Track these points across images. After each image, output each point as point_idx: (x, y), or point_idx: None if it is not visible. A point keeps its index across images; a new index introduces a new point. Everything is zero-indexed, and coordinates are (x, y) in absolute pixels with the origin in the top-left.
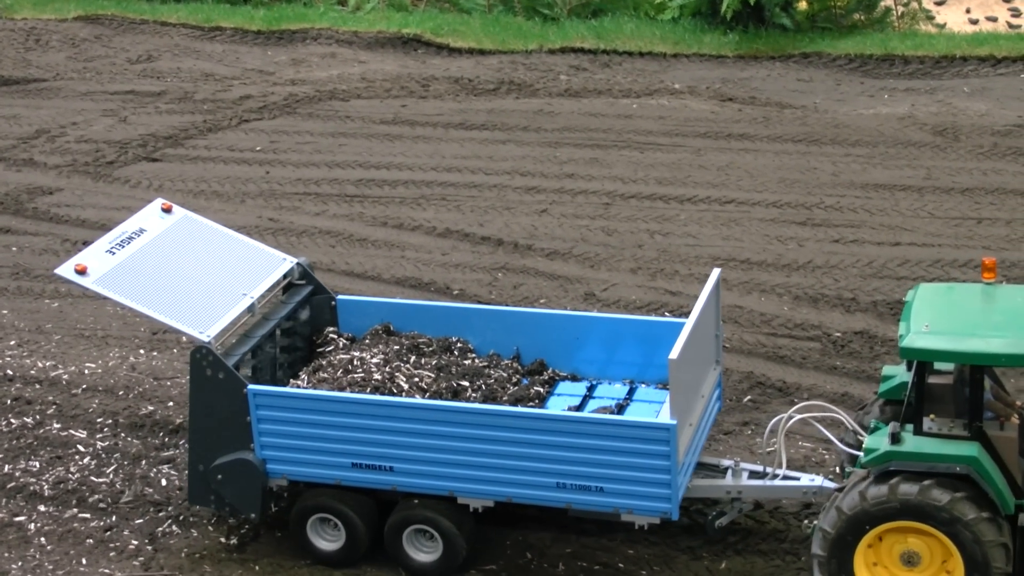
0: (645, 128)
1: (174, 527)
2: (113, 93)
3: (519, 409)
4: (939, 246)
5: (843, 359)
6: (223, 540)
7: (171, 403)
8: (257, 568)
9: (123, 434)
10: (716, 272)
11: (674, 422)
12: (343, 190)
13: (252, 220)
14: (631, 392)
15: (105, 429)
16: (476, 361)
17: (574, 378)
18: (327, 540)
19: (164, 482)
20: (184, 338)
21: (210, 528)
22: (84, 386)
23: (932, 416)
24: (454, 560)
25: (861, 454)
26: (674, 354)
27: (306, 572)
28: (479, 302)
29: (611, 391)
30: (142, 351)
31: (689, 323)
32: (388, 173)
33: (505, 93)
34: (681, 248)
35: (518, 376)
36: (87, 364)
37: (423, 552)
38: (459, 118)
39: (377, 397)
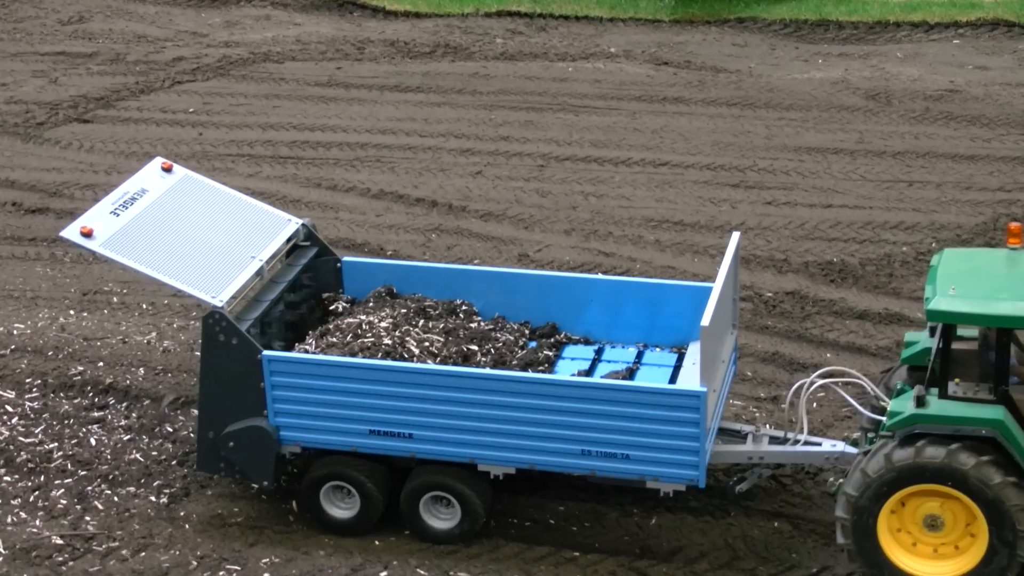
0: (580, 91)
1: (103, 486)
2: (44, 54)
3: (549, 376)
4: (870, 208)
5: (775, 319)
6: (153, 499)
7: (101, 364)
8: (187, 527)
9: (52, 394)
10: (736, 236)
11: (704, 389)
12: (277, 152)
13: None
14: (639, 356)
15: (34, 390)
16: (482, 324)
17: (586, 341)
18: (341, 508)
19: (93, 442)
20: (114, 299)
21: (141, 486)
22: (13, 347)
23: (957, 380)
24: (472, 527)
25: (884, 419)
26: (705, 320)
27: (236, 531)
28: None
29: (619, 355)
30: (72, 312)
31: (716, 289)
32: (322, 135)
33: (441, 56)
34: (615, 210)
35: (524, 340)
36: (16, 325)
37: (440, 519)
38: (394, 80)
39: (399, 363)
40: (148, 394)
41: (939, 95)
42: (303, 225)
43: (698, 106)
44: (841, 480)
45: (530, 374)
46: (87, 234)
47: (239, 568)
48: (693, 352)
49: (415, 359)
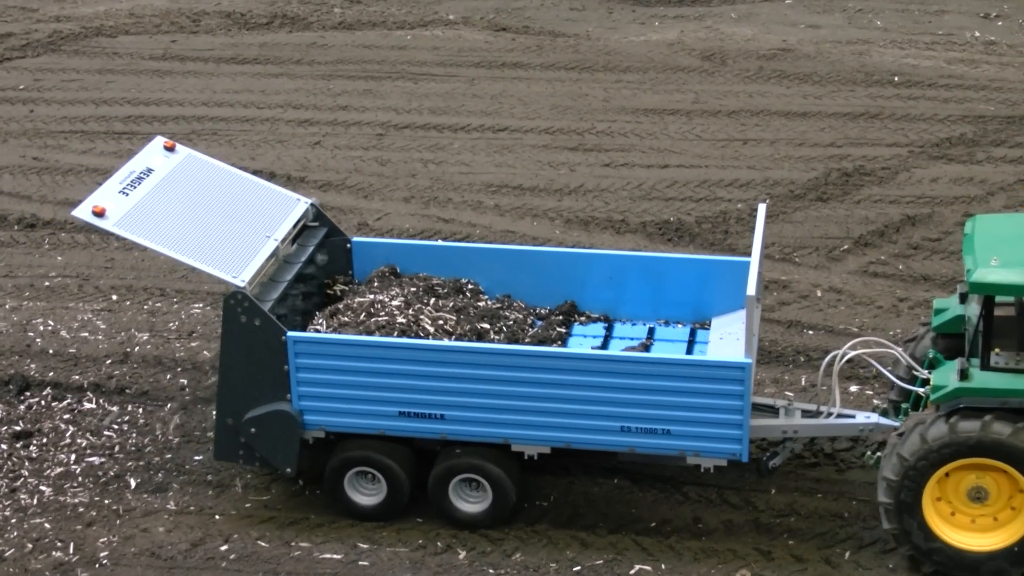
0: (419, 59)
1: None
2: None
3: (589, 352)
4: (706, 167)
5: None
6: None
7: None
8: (21, 511)
9: None
10: (763, 207)
11: (749, 361)
12: (111, 127)
13: (15, 160)
14: (651, 332)
15: None
16: (489, 302)
17: (606, 319)
18: (366, 495)
19: None
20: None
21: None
22: None
23: (996, 350)
24: (503, 509)
25: (919, 389)
26: (751, 290)
27: (71, 512)
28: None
29: (631, 331)
30: None
31: (755, 259)
32: (158, 109)
33: (278, 27)
34: (455, 176)
35: (532, 317)
36: None
37: (469, 502)
38: (231, 52)
39: (433, 342)
40: None
41: (772, 54)
42: (312, 205)
43: (536, 71)
44: (879, 453)
45: (574, 350)
46: (99, 213)
47: (76, 549)
48: (717, 326)
49: (431, 337)
